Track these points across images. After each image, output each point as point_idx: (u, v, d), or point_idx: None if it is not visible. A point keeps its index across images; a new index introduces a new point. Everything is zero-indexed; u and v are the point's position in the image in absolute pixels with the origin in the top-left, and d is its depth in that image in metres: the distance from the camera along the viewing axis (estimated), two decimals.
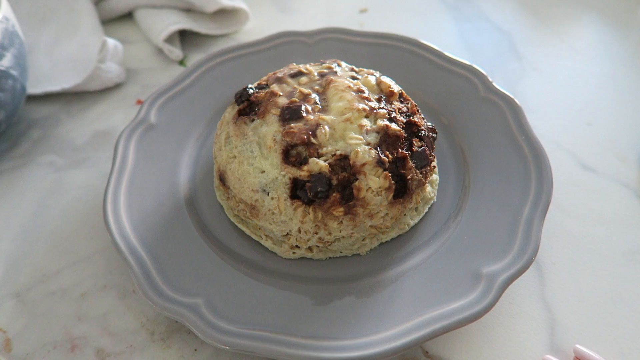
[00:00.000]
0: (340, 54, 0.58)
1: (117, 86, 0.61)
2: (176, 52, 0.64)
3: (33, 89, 0.58)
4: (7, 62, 0.47)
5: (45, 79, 0.60)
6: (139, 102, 0.60)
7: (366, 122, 0.40)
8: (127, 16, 0.72)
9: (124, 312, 0.41)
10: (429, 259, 0.40)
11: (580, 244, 0.44)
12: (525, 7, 0.73)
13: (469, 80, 0.53)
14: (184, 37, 0.68)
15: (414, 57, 0.56)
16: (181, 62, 0.65)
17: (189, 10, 0.69)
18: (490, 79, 0.52)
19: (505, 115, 0.49)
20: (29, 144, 0.55)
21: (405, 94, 0.46)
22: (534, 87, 0.60)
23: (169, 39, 0.66)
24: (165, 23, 0.65)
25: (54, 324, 0.40)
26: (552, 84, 0.60)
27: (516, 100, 0.49)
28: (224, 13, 0.70)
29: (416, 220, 0.43)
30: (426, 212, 0.44)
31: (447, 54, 0.55)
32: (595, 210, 0.46)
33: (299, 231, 0.40)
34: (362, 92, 0.43)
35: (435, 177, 0.46)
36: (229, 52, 0.58)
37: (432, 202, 0.45)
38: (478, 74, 0.53)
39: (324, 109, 0.42)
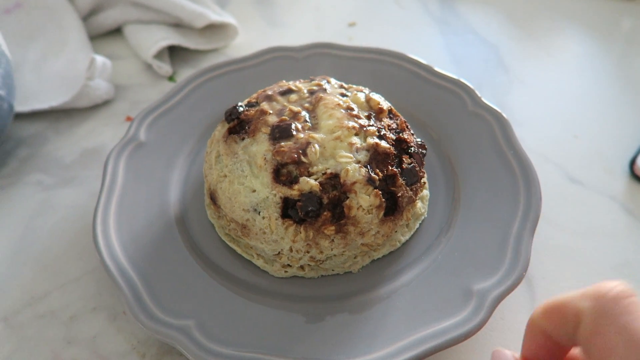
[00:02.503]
0: (329, 69, 0.59)
1: (105, 103, 0.61)
2: (165, 67, 0.64)
3: (20, 106, 0.57)
4: None
5: (32, 96, 0.60)
6: (129, 118, 0.59)
7: (356, 140, 0.40)
8: (116, 31, 0.71)
9: (114, 335, 0.40)
10: (420, 276, 0.40)
11: (569, 258, 0.44)
12: (511, 19, 0.74)
13: (457, 95, 0.53)
14: (173, 53, 0.68)
15: (403, 72, 0.57)
16: (170, 78, 0.65)
17: (177, 26, 0.70)
18: (478, 93, 0.52)
19: (493, 129, 0.49)
20: (16, 163, 0.54)
21: (394, 110, 0.46)
22: (521, 99, 0.60)
23: (158, 55, 0.66)
24: (154, 39, 0.65)
25: (43, 347, 0.39)
26: (539, 97, 0.61)
27: (504, 115, 0.50)
28: (213, 28, 0.70)
29: (407, 237, 0.43)
30: (417, 228, 0.44)
31: (435, 68, 0.56)
32: (584, 224, 0.47)
33: (291, 250, 0.40)
34: (352, 109, 0.43)
35: (425, 192, 0.46)
36: (218, 68, 0.58)
37: (422, 217, 0.45)
38: (466, 89, 0.53)
39: (314, 127, 0.42)
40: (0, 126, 0.50)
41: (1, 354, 0.39)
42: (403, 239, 0.43)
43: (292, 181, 0.39)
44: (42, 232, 0.48)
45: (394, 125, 0.44)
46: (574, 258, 0.44)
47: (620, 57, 0.66)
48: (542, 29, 0.72)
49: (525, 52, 0.68)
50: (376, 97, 0.45)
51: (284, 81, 0.48)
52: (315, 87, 0.46)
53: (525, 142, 0.55)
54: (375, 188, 0.39)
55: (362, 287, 0.40)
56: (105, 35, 0.71)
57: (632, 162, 0.51)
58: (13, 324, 0.41)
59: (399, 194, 0.40)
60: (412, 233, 0.44)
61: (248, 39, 0.71)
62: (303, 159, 0.39)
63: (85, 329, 0.40)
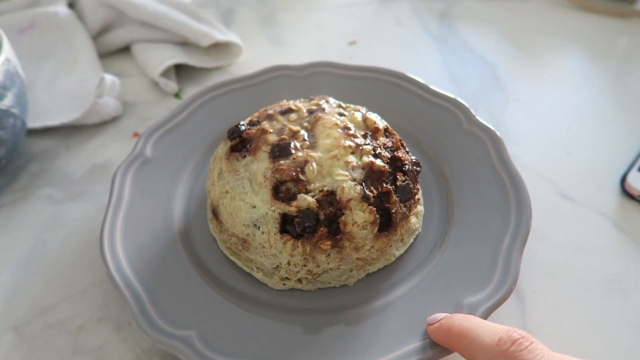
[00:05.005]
0: (329, 87, 0.61)
1: (114, 119, 0.64)
2: (172, 85, 0.67)
3: (32, 123, 0.60)
4: (8, 101, 0.49)
5: (44, 113, 0.62)
6: (136, 134, 0.62)
7: (352, 159, 0.42)
8: (124, 50, 0.74)
9: (120, 344, 0.42)
10: (414, 289, 0.42)
11: (560, 273, 0.46)
12: (508, 38, 0.76)
13: (452, 113, 0.55)
14: (179, 70, 0.71)
15: (400, 90, 0.59)
16: (176, 95, 0.67)
17: (183, 44, 0.72)
18: (472, 112, 0.54)
19: (487, 147, 0.51)
20: (27, 178, 0.56)
21: (390, 129, 0.48)
22: (516, 117, 0.62)
23: (165, 73, 0.68)
24: (160, 58, 0.67)
25: (51, 357, 0.41)
26: (534, 115, 0.62)
27: (497, 133, 0.51)
28: (218, 47, 0.72)
29: (402, 251, 0.45)
30: (411, 243, 0.46)
31: (432, 87, 0.57)
32: (575, 239, 0.48)
33: (289, 264, 0.41)
34: (349, 129, 0.45)
35: (420, 208, 0.48)
36: (222, 87, 0.60)
37: (417, 232, 0.46)
38: (461, 107, 0.55)
39: (312, 146, 0.44)
40: (14, 142, 0.52)
41: None
42: (397, 254, 0.45)
43: (290, 198, 0.41)
44: (52, 245, 0.50)
45: (390, 144, 0.46)
46: (564, 273, 0.46)
47: (616, 75, 0.68)
48: (539, 48, 0.74)
49: (522, 71, 0.70)
50: (373, 116, 0.47)
51: (285, 100, 0.50)
52: (314, 107, 0.48)
53: (520, 159, 0.56)
54: (370, 205, 0.40)
55: (357, 300, 0.42)
56: (114, 54, 0.74)
57: (623, 179, 0.52)
58: (23, 334, 0.43)
59: (393, 211, 0.42)
60: (406, 247, 0.45)
61: (252, 57, 0.74)
62: (301, 176, 0.41)
63: (92, 338, 0.42)
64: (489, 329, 0.31)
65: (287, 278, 0.43)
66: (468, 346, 0.31)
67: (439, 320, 0.36)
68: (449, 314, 0.36)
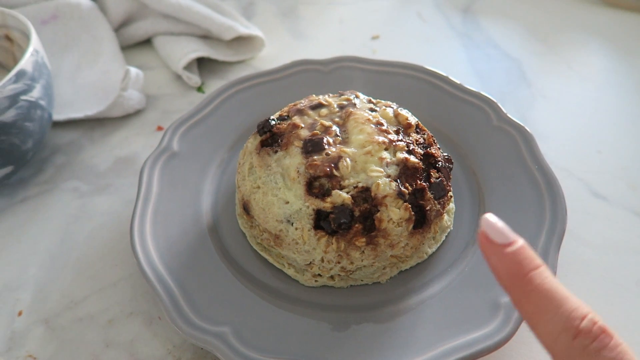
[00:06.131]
0: (354, 82, 0.60)
1: (137, 112, 0.63)
2: (195, 78, 0.66)
3: (57, 115, 0.60)
4: (37, 93, 0.49)
5: (68, 105, 0.62)
6: (159, 128, 0.61)
7: (386, 155, 0.42)
8: (146, 42, 0.74)
9: (151, 339, 0.42)
10: (447, 288, 0.41)
11: (594, 272, 0.45)
12: (533, 33, 0.74)
13: (481, 109, 0.54)
14: (202, 63, 0.70)
15: (427, 86, 0.58)
16: (199, 89, 0.67)
17: (206, 37, 0.71)
18: (502, 108, 0.53)
19: (518, 144, 0.50)
20: (53, 170, 0.56)
21: (421, 125, 0.47)
22: (544, 114, 0.61)
23: (187, 66, 0.68)
24: (184, 51, 0.67)
25: (83, 350, 0.41)
26: (562, 111, 0.62)
27: (527, 129, 0.51)
28: (240, 40, 0.72)
29: (434, 249, 0.44)
30: (443, 241, 0.45)
31: (459, 82, 0.57)
32: (608, 239, 0.48)
33: (322, 260, 0.41)
34: (381, 124, 0.44)
35: (451, 205, 0.47)
36: (246, 81, 0.59)
37: (449, 230, 0.46)
38: (490, 103, 0.54)
39: (345, 141, 0.43)
40: (40, 134, 0.52)
41: (44, 356, 0.41)
42: (430, 251, 0.44)
43: (324, 194, 0.40)
44: (79, 237, 0.49)
45: (422, 140, 0.45)
46: (598, 272, 0.45)
47: None
48: (564, 43, 0.72)
49: (548, 67, 0.69)
50: (404, 112, 0.46)
51: (314, 95, 0.50)
52: (344, 102, 0.47)
53: (549, 157, 0.55)
54: (405, 202, 0.40)
55: (390, 298, 0.42)
56: (136, 46, 0.74)
57: None
58: (54, 327, 0.43)
59: (428, 208, 0.41)
60: (438, 245, 0.45)
61: (274, 51, 0.73)
62: (335, 172, 0.40)
63: (122, 332, 0.42)
64: (572, 304, 0.24)
65: (319, 275, 0.42)
66: (541, 311, 0.24)
67: (509, 244, 0.26)
68: (519, 240, 0.27)
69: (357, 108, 0.46)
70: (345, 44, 0.74)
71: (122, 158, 0.58)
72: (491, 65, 0.69)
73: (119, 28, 0.72)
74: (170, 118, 0.62)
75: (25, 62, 0.47)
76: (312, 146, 0.42)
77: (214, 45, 0.70)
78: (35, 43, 0.50)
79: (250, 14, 0.81)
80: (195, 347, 0.41)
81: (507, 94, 0.64)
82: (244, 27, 0.70)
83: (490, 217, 0.27)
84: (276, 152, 0.44)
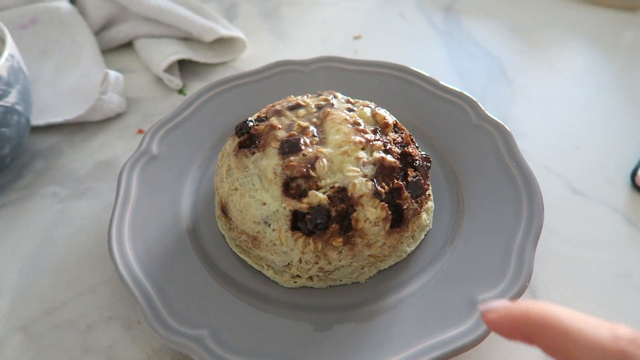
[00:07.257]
0: (335, 82, 0.60)
1: (118, 116, 0.63)
2: (176, 81, 0.66)
3: (36, 120, 0.59)
4: (12, 98, 0.49)
5: (47, 110, 0.61)
6: (140, 131, 0.61)
7: (363, 155, 0.42)
8: (127, 45, 0.73)
9: (130, 344, 0.41)
10: (426, 286, 0.42)
11: (572, 268, 0.45)
12: (514, 32, 0.75)
13: (461, 108, 0.55)
14: (183, 66, 0.70)
15: (407, 85, 0.58)
16: (180, 91, 0.67)
17: (187, 40, 0.71)
18: (481, 106, 0.54)
19: (496, 141, 0.51)
20: (32, 175, 0.56)
21: (399, 124, 0.47)
22: (524, 112, 0.62)
23: (169, 69, 0.67)
24: (164, 53, 0.66)
25: (61, 356, 0.41)
26: (541, 109, 0.62)
27: (506, 127, 0.51)
28: (222, 42, 0.72)
29: (413, 248, 0.45)
30: (422, 239, 0.45)
31: (439, 81, 0.57)
32: (586, 234, 0.48)
33: (300, 261, 0.41)
34: (359, 124, 0.44)
35: (430, 204, 0.47)
36: (227, 82, 0.59)
37: (427, 229, 0.46)
38: (469, 101, 0.54)
39: (322, 142, 0.43)
40: (18, 140, 0.52)
41: None
42: (409, 250, 0.44)
43: (301, 194, 0.40)
44: (58, 243, 0.49)
45: (399, 139, 0.45)
46: (576, 268, 0.45)
47: (623, 69, 0.67)
48: (545, 41, 0.73)
49: (528, 65, 0.69)
50: (382, 112, 0.47)
51: (292, 96, 0.50)
52: (322, 102, 0.47)
53: (528, 154, 0.56)
54: (382, 201, 0.40)
55: (369, 297, 0.42)
56: (117, 49, 0.73)
57: (634, 173, 0.52)
58: (32, 333, 0.42)
59: (405, 207, 0.41)
60: (417, 244, 0.45)
61: (256, 52, 0.73)
62: (312, 173, 0.40)
63: (101, 338, 0.42)
64: (588, 322, 0.25)
65: (298, 276, 0.42)
66: (562, 338, 0.25)
67: (499, 308, 0.28)
68: (508, 302, 0.28)
69: (334, 108, 0.46)
70: (327, 44, 0.74)
71: (102, 162, 0.57)
72: (472, 63, 0.70)
73: (99, 31, 0.72)
74: (152, 121, 0.62)
75: (0, 67, 0.47)
76: (289, 147, 0.42)
77: (195, 48, 0.70)
78: (10, 48, 0.49)
79: (233, 15, 0.81)
80: (174, 351, 0.41)
81: (488, 92, 0.65)
82: (225, 29, 0.70)
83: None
84: (254, 153, 0.44)
